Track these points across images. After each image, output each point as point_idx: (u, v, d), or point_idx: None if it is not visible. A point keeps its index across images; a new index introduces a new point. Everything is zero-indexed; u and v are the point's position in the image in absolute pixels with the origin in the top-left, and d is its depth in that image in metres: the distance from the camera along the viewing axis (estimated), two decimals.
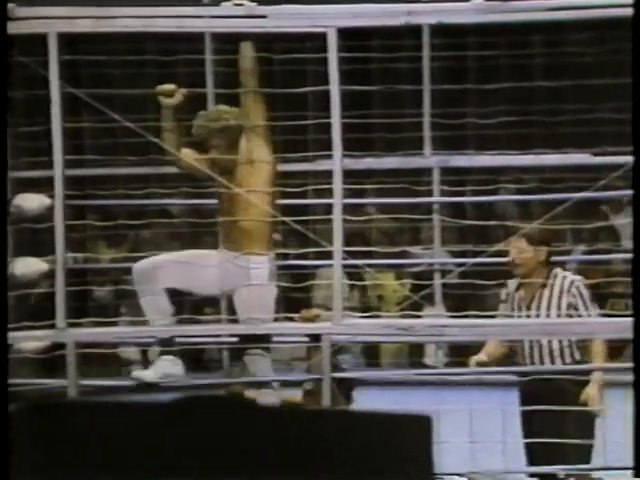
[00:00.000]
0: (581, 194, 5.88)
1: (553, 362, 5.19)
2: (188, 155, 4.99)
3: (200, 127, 4.96)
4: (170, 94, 4.92)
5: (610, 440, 4.96)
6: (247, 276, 4.91)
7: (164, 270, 4.91)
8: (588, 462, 5.09)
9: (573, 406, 4.99)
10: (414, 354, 7.74)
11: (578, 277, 5.29)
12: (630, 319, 4.08)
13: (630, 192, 4.45)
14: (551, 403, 4.96)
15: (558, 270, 5.29)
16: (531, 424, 5.12)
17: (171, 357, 4.94)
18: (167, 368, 4.91)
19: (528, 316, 5.23)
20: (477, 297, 6.52)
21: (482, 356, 5.22)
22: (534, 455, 5.15)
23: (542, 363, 5.19)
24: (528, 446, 5.13)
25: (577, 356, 5.20)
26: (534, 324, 5.21)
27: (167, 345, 4.96)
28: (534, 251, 5.21)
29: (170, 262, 4.94)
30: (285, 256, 6.00)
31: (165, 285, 4.89)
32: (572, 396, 5.05)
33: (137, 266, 4.96)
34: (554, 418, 4.98)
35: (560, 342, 5.18)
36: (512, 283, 5.31)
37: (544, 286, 5.22)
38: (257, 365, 4.93)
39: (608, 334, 5.03)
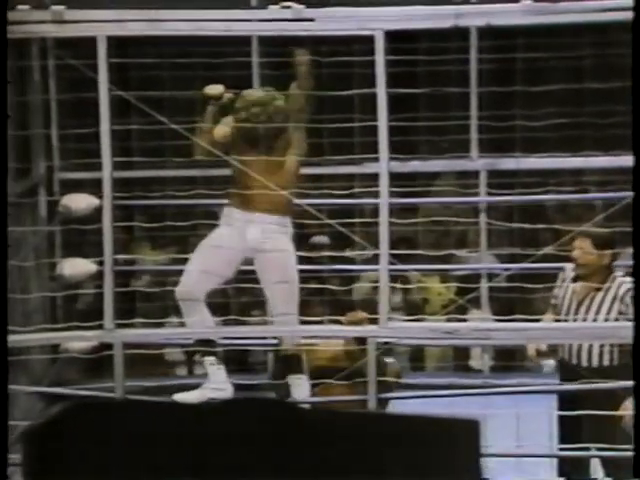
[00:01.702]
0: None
1: (590, 362, 5.14)
2: (227, 123, 4.95)
3: (249, 107, 4.94)
4: (218, 97, 4.94)
5: None
6: (282, 234, 4.95)
7: (198, 282, 4.95)
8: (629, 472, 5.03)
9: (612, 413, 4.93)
10: (459, 358, 7.70)
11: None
12: None
13: None
14: (590, 409, 4.92)
15: (617, 275, 5.24)
16: (568, 430, 5.07)
17: (214, 359, 4.95)
18: (213, 392, 4.93)
19: (575, 319, 5.19)
20: (524, 300, 6.47)
21: (541, 345, 5.20)
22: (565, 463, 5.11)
23: (579, 362, 5.15)
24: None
25: (616, 359, 5.15)
26: (582, 328, 5.17)
27: (208, 348, 4.98)
28: (598, 254, 5.17)
29: (198, 271, 4.96)
30: (332, 259, 5.99)
31: (204, 294, 4.95)
32: (612, 402, 4.98)
33: (178, 290, 5.00)
34: (593, 424, 4.94)
35: (601, 345, 5.13)
36: (571, 271, 5.27)
37: (599, 289, 5.18)
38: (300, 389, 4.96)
39: None
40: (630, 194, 5.82)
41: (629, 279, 5.29)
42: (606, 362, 5.13)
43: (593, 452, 4.97)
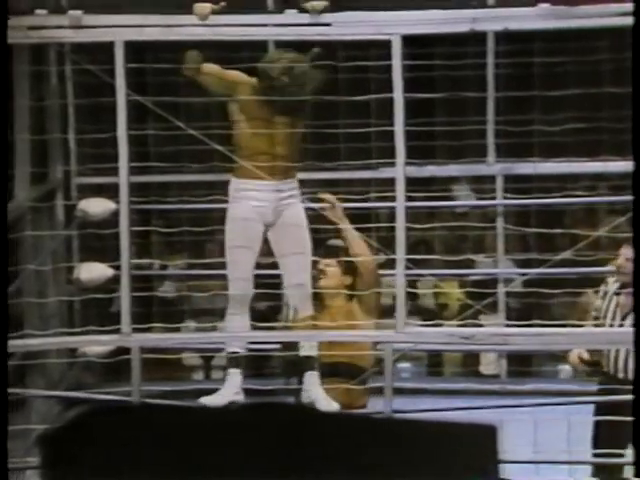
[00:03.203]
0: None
1: (626, 373, 5.12)
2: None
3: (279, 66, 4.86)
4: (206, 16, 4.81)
5: None
6: (298, 201, 4.96)
7: (248, 280, 4.92)
8: None
9: None
10: (470, 363, 7.69)
11: None
12: None
13: None
14: (626, 415, 4.89)
15: None
16: (603, 436, 5.06)
17: (237, 370, 4.93)
18: (234, 395, 4.91)
19: (622, 325, 5.18)
20: (541, 306, 6.45)
21: (583, 353, 5.17)
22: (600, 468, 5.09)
23: (626, 372, 5.13)
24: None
25: None
26: (601, 334, 5.15)
27: (233, 358, 4.96)
28: None
29: (243, 269, 4.92)
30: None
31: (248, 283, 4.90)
32: None
33: (233, 294, 4.94)
34: (625, 431, 4.92)
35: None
36: (613, 284, 5.25)
37: None
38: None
39: None
40: None
41: None
42: None
43: (623, 458, 4.93)
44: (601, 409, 5.10)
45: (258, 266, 5.04)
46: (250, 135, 4.85)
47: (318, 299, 5.22)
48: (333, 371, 5.09)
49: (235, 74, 4.89)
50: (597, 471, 5.09)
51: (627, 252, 5.17)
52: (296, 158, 4.96)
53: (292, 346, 5.03)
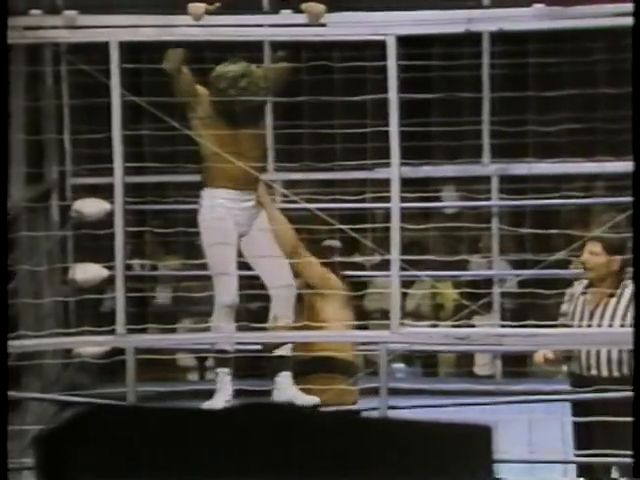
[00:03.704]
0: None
1: (610, 372, 5.12)
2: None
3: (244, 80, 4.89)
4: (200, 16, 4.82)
5: None
6: (261, 210, 5.03)
7: (234, 285, 4.94)
8: None
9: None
10: (464, 364, 7.69)
11: None
12: None
13: None
14: (605, 414, 4.90)
15: (629, 282, 5.19)
16: (584, 436, 5.06)
17: (227, 370, 4.94)
18: (229, 394, 4.92)
19: (590, 325, 5.17)
20: (536, 306, 6.46)
21: (548, 353, 5.17)
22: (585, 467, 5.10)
23: (599, 372, 5.13)
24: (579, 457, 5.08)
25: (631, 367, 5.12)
26: (594, 334, 5.15)
27: (223, 356, 4.96)
28: (607, 259, 5.12)
29: (229, 275, 4.94)
30: (343, 264, 5.98)
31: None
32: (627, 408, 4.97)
33: (224, 300, 4.93)
34: (607, 430, 4.92)
35: (620, 352, 5.10)
36: (578, 285, 5.25)
37: (612, 296, 5.15)
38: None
39: None
40: None
41: None
42: (625, 371, 5.11)
43: (608, 457, 4.95)
44: (578, 410, 5.09)
45: (248, 267, 5.05)
46: (209, 141, 4.89)
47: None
48: (317, 366, 5.08)
49: (201, 90, 4.94)
50: (582, 472, 5.09)
51: (592, 247, 5.14)
52: (258, 169, 4.99)
53: (271, 347, 5.03)
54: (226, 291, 4.89)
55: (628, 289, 5.14)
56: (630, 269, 5.26)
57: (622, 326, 5.09)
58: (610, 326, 5.13)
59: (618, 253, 5.12)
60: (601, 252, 5.11)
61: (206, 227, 4.96)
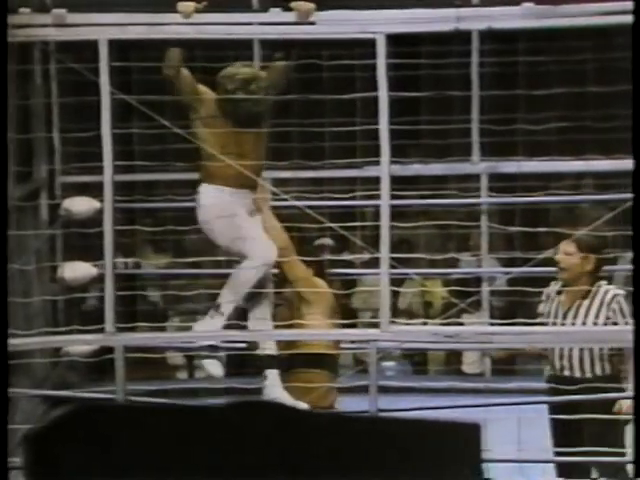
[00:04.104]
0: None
1: (583, 372, 5.14)
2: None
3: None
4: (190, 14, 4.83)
5: None
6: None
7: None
8: (622, 472, 5.03)
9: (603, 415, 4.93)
10: (453, 362, 7.71)
11: (621, 291, 5.19)
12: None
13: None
14: (580, 412, 4.92)
15: (602, 282, 5.20)
16: (562, 433, 5.08)
17: (214, 361, 4.97)
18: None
19: (563, 324, 5.18)
20: (525, 304, 6.47)
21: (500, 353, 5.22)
22: (564, 465, 5.11)
23: (571, 372, 5.15)
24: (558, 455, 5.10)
25: (607, 369, 5.13)
26: (582, 332, 5.17)
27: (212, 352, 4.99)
28: (582, 259, 5.13)
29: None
30: (333, 262, 5.99)
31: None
32: (602, 406, 4.99)
33: (270, 258, 4.95)
34: (584, 428, 4.94)
35: (591, 352, 5.12)
36: (554, 285, 5.27)
37: (585, 297, 5.16)
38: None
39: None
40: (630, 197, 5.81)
41: (613, 286, 5.24)
42: (598, 372, 5.12)
43: (593, 456, 4.96)
44: (555, 408, 5.11)
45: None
46: (211, 142, 4.89)
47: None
48: (299, 362, 5.08)
49: (203, 90, 4.94)
50: (561, 471, 5.11)
51: (567, 247, 5.16)
52: (258, 169, 4.99)
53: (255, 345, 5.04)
54: (262, 249, 4.88)
55: (602, 289, 5.15)
56: (605, 269, 5.27)
57: (595, 325, 5.11)
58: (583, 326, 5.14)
59: (592, 253, 5.13)
60: (575, 252, 5.13)
61: (209, 211, 4.95)
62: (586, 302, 5.13)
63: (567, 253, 5.14)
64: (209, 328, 4.95)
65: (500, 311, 7.21)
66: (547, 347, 5.19)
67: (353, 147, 6.37)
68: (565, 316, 5.17)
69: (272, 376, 4.94)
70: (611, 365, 5.13)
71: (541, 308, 5.30)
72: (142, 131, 5.67)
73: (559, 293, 5.22)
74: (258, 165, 4.98)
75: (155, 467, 2.26)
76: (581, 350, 5.11)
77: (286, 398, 4.88)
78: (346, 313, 5.81)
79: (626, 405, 4.98)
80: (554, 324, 5.19)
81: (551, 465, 5.15)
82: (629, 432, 4.98)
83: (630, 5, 4.64)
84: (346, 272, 6.51)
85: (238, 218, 4.93)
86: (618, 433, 5.01)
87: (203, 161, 4.96)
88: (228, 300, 4.94)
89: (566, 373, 5.15)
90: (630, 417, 4.94)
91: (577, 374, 5.12)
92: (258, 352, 5.00)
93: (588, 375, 5.11)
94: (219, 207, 4.92)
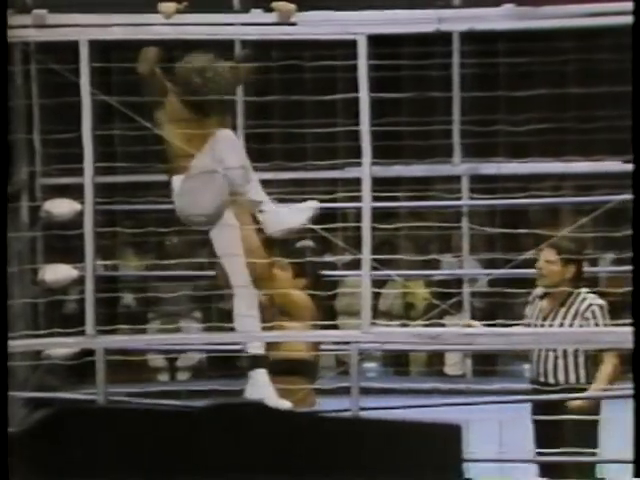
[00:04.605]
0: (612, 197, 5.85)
1: (557, 380, 5.16)
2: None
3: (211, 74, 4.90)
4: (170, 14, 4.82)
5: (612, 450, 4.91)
6: None
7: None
8: (593, 472, 5.06)
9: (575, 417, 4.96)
10: (435, 363, 7.72)
11: (599, 301, 5.19)
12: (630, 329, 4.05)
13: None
14: (558, 414, 4.95)
15: (582, 290, 5.23)
16: (542, 435, 5.11)
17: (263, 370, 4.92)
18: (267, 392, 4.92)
19: (543, 326, 5.22)
20: (506, 305, 6.49)
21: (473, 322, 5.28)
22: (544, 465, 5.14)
23: (546, 378, 5.18)
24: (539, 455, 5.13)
25: (582, 377, 5.16)
26: (565, 333, 5.19)
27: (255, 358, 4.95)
28: (562, 267, 5.16)
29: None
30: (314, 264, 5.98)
31: None
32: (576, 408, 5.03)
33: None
34: (559, 429, 4.97)
35: (566, 360, 5.14)
36: (540, 289, 5.29)
37: (563, 304, 5.19)
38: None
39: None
40: (612, 198, 5.83)
41: (593, 295, 5.26)
42: (572, 377, 5.15)
43: (574, 456, 4.98)
44: (538, 409, 5.13)
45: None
46: (178, 137, 4.88)
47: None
48: (277, 369, 5.07)
49: (170, 87, 4.94)
50: (543, 471, 5.13)
51: (547, 254, 5.19)
52: None
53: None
54: (240, 277, 4.88)
55: (580, 297, 5.18)
56: (584, 277, 5.30)
57: None
58: None
59: (573, 261, 5.16)
60: (556, 260, 5.15)
61: (184, 199, 4.92)
62: (563, 309, 5.17)
63: (548, 260, 5.16)
64: (259, 390, 4.90)
65: (481, 312, 7.23)
66: (528, 350, 5.22)
67: (334, 148, 6.37)
68: (544, 321, 5.20)
69: (260, 375, 4.92)
70: (586, 373, 5.16)
71: (527, 310, 5.33)
72: (123, 132, 5.65)
73: (542, 297, 5.24)
74: None
75: (137, 469, 2.25)
76: (556, 358, 5.14)
77: (273, 397, 4.86)
78: (327, 315, 5.80)
79: (575, 403, 5.02)
80: (535, 327, 5.22)
81: (532, 465, 5.17)
82: (602, 433, 5.01)
83: (613, 6, 4.67)
84: (328, 274, 6.50)
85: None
86: (590, 434, 5.03)
87: (171, 162, 4.95)
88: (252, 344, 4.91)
89: (541, 379, 5.18)
90: (592, 416, 4.98)
91: (551, 381, 5.15)
92: (244, 352, 4.98)
93: (561, 383, 5.13)
94: (189, 198, 4.91)
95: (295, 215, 4.96)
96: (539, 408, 5.13)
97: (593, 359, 5.16)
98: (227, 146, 4.89)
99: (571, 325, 5.13)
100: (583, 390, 5.10)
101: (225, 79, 4.91)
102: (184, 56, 4.96)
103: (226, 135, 4.90)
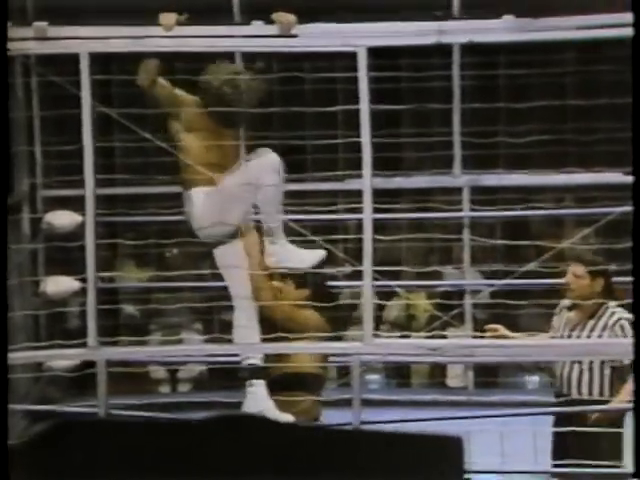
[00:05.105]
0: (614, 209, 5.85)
1: (580, 390, 5.16)
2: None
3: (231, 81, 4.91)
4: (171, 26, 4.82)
5: None
6: None
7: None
8: None
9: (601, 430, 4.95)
10: (437, 375, 7.71)
11: (627, 315, 5.22)
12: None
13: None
14: (582, 426, 4.94)
15: (611, 304, 5.25)
16: (562, 447, 5.10)
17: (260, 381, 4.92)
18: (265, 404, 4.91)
19: (570, 337, 5.23)
20: (508, 316, 6.49)
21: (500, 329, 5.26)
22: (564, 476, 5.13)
23: (569, 389, 5.18)
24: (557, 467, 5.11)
25: (606, 392, 5.16)
26: (569, 345, 5.19)
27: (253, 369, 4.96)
28: (591, 280, 5.20)
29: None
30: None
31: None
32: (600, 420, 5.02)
33: None
34: (583, 441, 4.96)
35: (591, 373, 5.14)
36: (567, 301, 5.32)
37: (592, 316, 5.21)
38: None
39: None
40: (614, 210, 5.84)
41: (622, 309, 5.27)
42: (595, 392, 5.16)
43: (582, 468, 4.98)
44: (560, 421, 5.13)
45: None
46: (198, 148, 4.87)
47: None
48: (284, 384, 5.07)
49: (181, 93, 4.94)
50: None
51: (576, 269, 5.22)
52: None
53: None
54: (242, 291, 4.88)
55: (608, 311, 5.20)
56: (613, 289, 5.30)
57: None
58: None
59: (601, 274, 5.20)
60: (584, 274, 5.19)
61: (203, 217, 4.91)
62: (591, 322, 5.22)
63: (576, 275, 5.20)
64: (258, 403, 4.89)
65: (483, 324, 7.22)
66: (552, 363, 5.24)
67: (335, 160, 6.37)
68: (571, 332, 5.22)
69: (258, 387, 4.91)
70: (611, 387, 5.16)
71: (554, 321, 5.34)
72: (124, 144, 5.66)
73: (570, 309, 5.27)
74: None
75: None
76: (581, 371, 5.15)
77: (271, 409, 4.86)
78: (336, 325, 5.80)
79: (596, 415, 5.02)
80: (561, 337, 5.24)
81: (532, 477, 5.17)
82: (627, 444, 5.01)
83: (612, 18, 4.67)
84: (330, 285, 6.50)
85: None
86: (613, 446, 5.03)
87: (185, 169, 4.94)
88: (251, 355, 4.91)
89: (565, 391, 5.19)
90: (615, 429, 4.97)
91: (575, 394, 5.16)
92: (242, 363, 4.98)
93: (585, 396, 5.14)
94: (212, 210, 4.90)
95: (303, 257, 4.97)
96: (561, 420, 5.13)
97: (619, 373, 5.16)
98: (269, 169, 4.88)
99: (600, 336, 5.16)
100: (606, 403, 5.10)
101: (253, 90, 4.92)
102: (190, 73, 4.97)
103: (272, 158, 4.91)
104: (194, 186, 4.93)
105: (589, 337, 5.18)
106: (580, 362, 5.13)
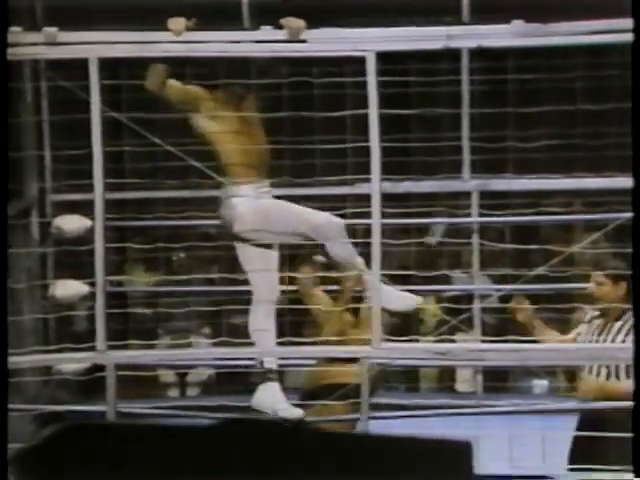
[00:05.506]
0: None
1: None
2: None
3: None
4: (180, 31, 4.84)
5: None
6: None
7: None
8: None
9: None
10: (445, 379, 7.71)
11: None
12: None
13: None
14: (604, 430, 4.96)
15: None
16: (580, 451, 5.12)
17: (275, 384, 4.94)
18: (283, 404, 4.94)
19: (597, 341, 5.27)
20: (517, 321, 6.48)
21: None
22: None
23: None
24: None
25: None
26: (579, 349, 5.20)
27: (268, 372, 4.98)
28: (613, 286, 5.23)
29: None
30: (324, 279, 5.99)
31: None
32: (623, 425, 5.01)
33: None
34: (601, 445, 4.97)
35: (618, 376, 5.15)
36: (592, 310, 5.36)
37: (619, 318, 5.25)
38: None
39: None
40: (623, 215, 5.84)
41: None
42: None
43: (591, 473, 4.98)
44: (583, 424, 5.14)
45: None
46: (227, 135, 4.89)
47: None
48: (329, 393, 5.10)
49: (196, 89, 4.95)
50: None
51: (596, 276, 5.27)
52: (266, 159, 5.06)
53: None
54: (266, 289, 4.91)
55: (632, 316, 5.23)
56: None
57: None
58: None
59: (622, 278, 5.23)
60: (606, 281, 5.23)
61: (246, 220, 4.93)
62: (618, 324, 5.27)
63: (598, 282, 5.22)
64: (270, 396, 4.90)
65: (492, 328, 7.21)
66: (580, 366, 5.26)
67: (344, 164, 6.38)
68: (598, 336, 5.26)
69: (273, 390, 4.92)
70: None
71: (582, 328, 5.38)
72: (133, 149, 5.67)
73: (598, 317, 5.29)
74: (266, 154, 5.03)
75: None
76: (608, 375, 5.17)
77: (286, 408, 4.86)
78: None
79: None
80: (590, 342, 5.28)
81: None
82: None
83: (620, 23, 4.67)
84: (336, 289, 6.50)
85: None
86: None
87: (220, 160, 4.94)
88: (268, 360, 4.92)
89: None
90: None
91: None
92: (258, 366, 4.99)
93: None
94: (254, 214, 4.91)
95: (401, 301, 5.00)
96: (584, 424, 5.14)
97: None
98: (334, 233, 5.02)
99: (624, 341, 5.18)
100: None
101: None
102: (198, 78, 5.02)
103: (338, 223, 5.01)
104: (234, 184, 4.93)
105: (614, 340, 5.21)
106: (608, 366, 5.17)
